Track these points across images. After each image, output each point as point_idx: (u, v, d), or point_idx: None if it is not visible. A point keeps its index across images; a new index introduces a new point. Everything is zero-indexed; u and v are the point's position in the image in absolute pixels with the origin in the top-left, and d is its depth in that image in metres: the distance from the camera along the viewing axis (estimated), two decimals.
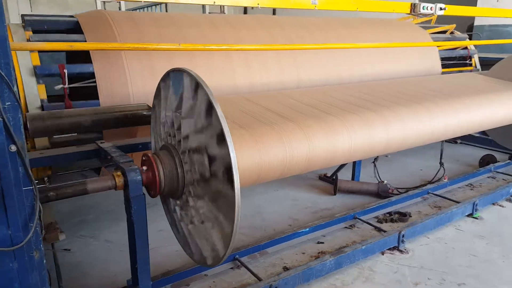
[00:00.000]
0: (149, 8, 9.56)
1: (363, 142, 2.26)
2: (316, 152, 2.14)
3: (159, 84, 1.91)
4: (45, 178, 2.70)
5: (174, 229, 2.04)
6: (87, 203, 3.50)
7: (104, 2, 7.05)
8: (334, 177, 3.89)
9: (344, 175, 3.95)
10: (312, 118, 2.25)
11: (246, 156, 1.91)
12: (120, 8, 8.55)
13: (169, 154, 1.72)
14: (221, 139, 1.47)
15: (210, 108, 1.50)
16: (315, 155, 2.13)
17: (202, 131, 1.60)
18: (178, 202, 1.83)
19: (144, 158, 1.75)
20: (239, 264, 2.49)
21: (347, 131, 2.24)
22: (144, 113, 2.23)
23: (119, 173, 1.65)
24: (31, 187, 1.38)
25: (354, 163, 3.90)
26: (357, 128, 2.26)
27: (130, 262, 1.86)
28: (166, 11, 12.43)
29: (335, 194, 3.75)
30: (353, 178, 3.95)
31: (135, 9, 9.80)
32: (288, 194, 3.81)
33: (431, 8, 2.77)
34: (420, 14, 2.76)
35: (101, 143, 2.11)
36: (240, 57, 3.17)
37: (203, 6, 8.92)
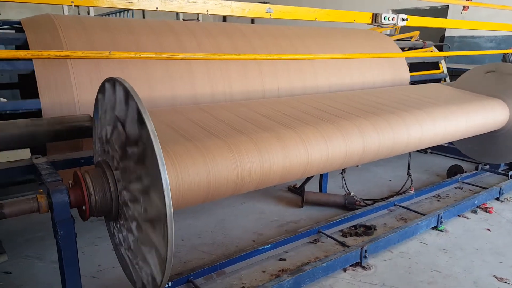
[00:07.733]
0: (121, 14, 9.29)
1: (320, 156, 2.17)
2: (270, 166, 2.02)
3: (97, 95, 1.76)
4: None
5: (117, 254, 1.88)
6: (38, 219, 3.25)
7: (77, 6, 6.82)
8: (302, 189, 3.80)
9: (313, 186, 3.85)
10: (267, 130, 2.14)
11: (192, 172, 1.78)
12: (88, 13, 8.28)
13: (102, 171, 1.57)
14: (151, 154, 1.33)
15: (141, 121, 1.36)
16: (269, 169, 2.02)
17: (133, 146, 1.45)
18: (115, 224, 1.68)
19: (74, 177, 1.59)
20: (193, 286, 2.33)
21: (304, 144, 2.14)
22: (86, 124, 2.07)
23: (42, 194, 1.48)
24: None
25: (322, 174, 3.82)
26: (313, 141, 2.16)
27: None
28: (143, 17, 12.20)
29: (302, 207, 3.65)
30: (320, 190, 3.87)
31: (107, 14, 9.52)
32: (255, 207, 3.68)
33: (392, 18, 2.72)
34: (382, 24, 2.70)
35: (36, 158, 1.93)
36: (201, 66, 3.05)
37: (177, 13, 8.77)
